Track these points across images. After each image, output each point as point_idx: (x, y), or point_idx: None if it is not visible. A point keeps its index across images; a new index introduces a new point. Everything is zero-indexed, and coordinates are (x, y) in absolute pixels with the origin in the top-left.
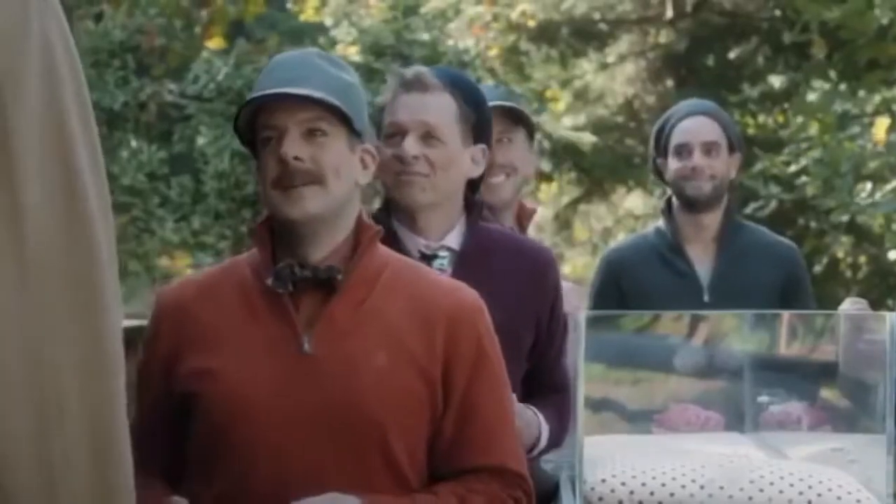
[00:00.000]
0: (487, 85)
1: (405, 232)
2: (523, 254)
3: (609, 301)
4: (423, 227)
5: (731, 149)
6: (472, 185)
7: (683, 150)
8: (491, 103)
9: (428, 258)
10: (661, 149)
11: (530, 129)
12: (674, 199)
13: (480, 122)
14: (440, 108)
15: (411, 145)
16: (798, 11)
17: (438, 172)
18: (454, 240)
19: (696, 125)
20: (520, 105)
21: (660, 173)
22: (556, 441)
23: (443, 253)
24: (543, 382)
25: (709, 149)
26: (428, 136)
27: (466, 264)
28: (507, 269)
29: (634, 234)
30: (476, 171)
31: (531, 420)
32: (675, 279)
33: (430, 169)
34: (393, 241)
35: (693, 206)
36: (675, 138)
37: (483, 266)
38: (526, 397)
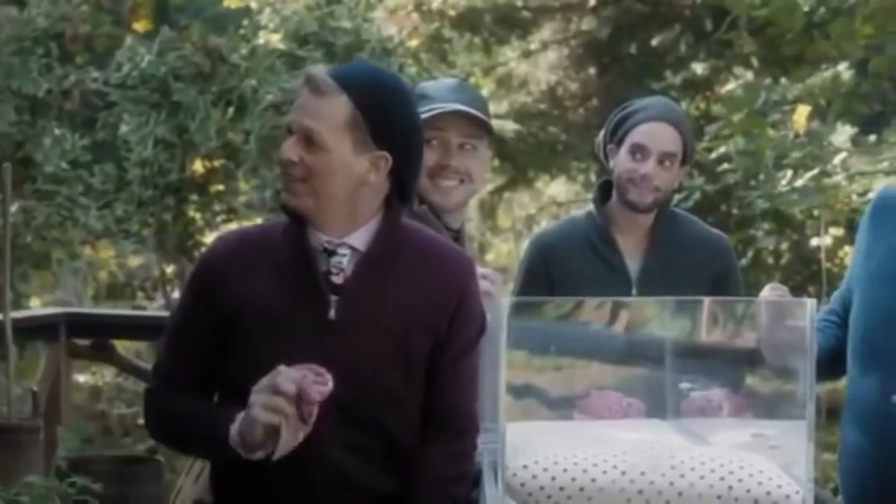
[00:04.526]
0: (449, 83)
1: (309, 225)
2: (439, 264)
3: (538, 286)
4: (319, 224)
5: (684, 161)
6: (401, 188)
7: (640, 153)
8: (459, 108)
9: (329, 253)
10: (617, 138)
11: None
12: (614, 190)
13: (383, 128)
14: (326, 114)
15: (289, 148)
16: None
17: (316, 179)
18: (359, 239)
19: (660, 131)
20: (483, 110)
21: (606, 157)
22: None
23: (342, 251)
24: (446, 420)
25: (664, 159)
26: (309, 142)
27: (371, 265)
28: (416, 277)
29: (564, 218)
30: (375, 179)
31: None
32: (604, 271)
33: (306, 174)
34: (300, 231)
35: (631, 208)
36: (636, 136)
37: (388, 270)
38: (422, 435)
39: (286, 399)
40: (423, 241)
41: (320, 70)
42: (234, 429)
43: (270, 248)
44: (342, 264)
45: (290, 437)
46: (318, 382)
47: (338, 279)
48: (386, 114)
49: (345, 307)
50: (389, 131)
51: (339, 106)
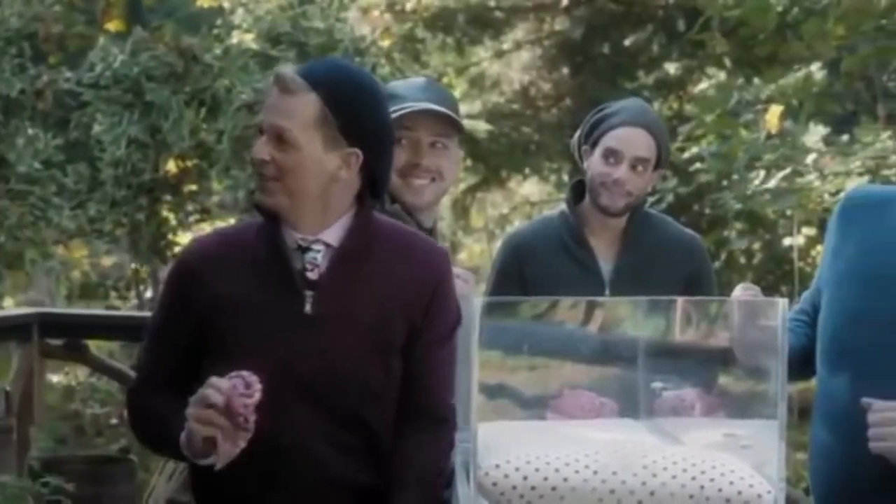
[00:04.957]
0: (419, 82)
1: (283, 224)
2: (412, 256)
3: (511, 286)
4: (293, 222)
5: (658, 165)
6: (373, 184)
7: (612, 157)
8: (429, 107)
9: (303, 250)
10: (591, 140)
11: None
12: (587, 191)
13: (353, 124)
14: (295, 112)
15: (260, 148)
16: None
17: (288, 177)
18: (332, 235)
19: (634, 136)
20: (453, 108)
21: (580, 157)
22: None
23: (317, 247)
24: (423, 411)
25: (637, 164)
26: (280, 140)
27: (345, 260)
28: (390, 270)
29: (537, 218)
30: (347, 175)
31: None
32: (577, 271)
33: (278, 172)
34: (274, 230)
35: (603, 212)
36: (609, 140)
37: (363, 264)
38: (400, 428)
39: (217, 410)
40: (396, 235)
41: (289, 69)
42: (183, 436)
43: (245, 247)
44: (317, 260)
45: (229, 446)
46: (244, 394)
47: (313, 275)
48: (355, 110)
49: (320, 302)
50: (359, 127)
51: (308, 104)
